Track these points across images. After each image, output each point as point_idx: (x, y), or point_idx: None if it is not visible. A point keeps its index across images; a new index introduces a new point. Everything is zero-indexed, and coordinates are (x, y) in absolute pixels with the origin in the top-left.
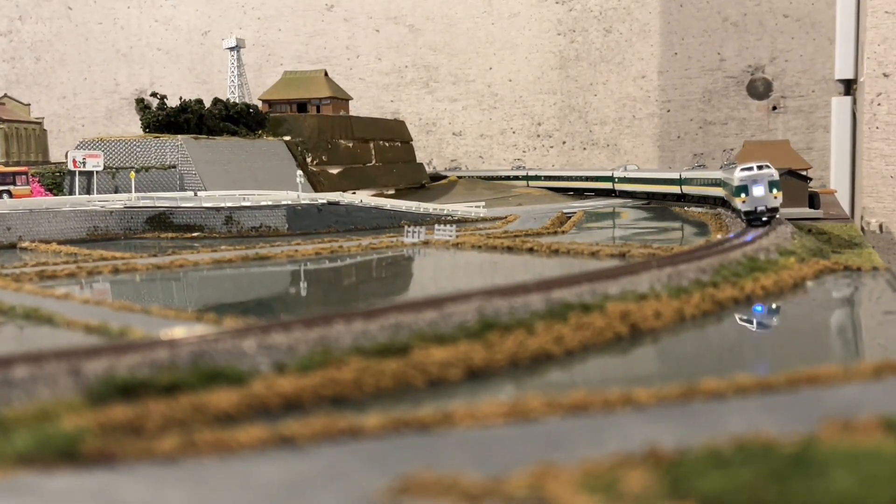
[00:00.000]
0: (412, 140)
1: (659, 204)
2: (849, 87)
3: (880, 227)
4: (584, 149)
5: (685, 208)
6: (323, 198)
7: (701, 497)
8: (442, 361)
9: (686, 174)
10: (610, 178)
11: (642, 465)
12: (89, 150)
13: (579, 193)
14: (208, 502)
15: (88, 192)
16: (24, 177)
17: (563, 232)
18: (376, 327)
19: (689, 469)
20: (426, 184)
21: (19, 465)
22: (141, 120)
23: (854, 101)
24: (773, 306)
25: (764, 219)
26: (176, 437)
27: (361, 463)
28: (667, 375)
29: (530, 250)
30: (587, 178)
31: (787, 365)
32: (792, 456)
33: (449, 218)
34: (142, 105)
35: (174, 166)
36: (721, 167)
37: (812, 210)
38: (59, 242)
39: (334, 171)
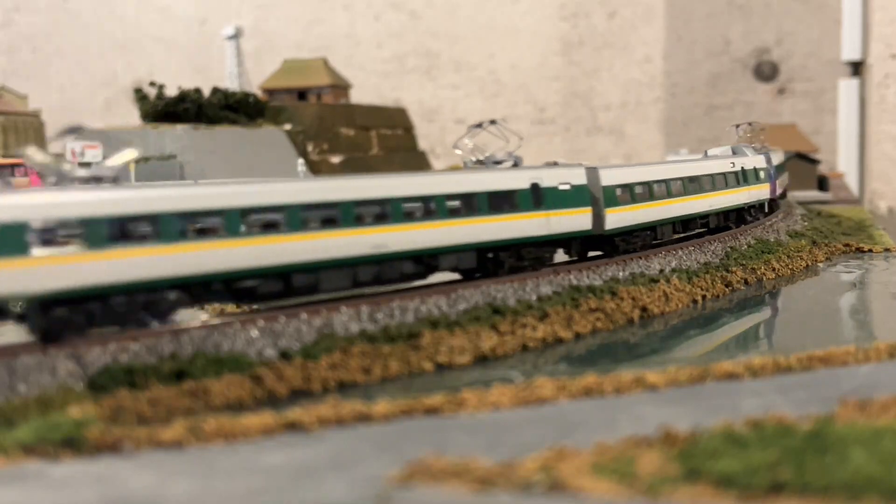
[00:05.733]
0: (414, 128)
1: None
2: (856, 69)
3: (889, 210)
4: (589, 135)
5: None
6: None
7: (717, 478)
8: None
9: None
10: None
11: (657, 447)
12: (88, 141)
13: None
14: (215, 489)
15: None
16: (22, 168)
17: None
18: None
19: (705, 450)
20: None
21: (24, 453)
22: (139, 110)
23: (862, 84)
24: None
25: None
26: (181, 424)
27: (371, 448)
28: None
29: None
30: None
31: (801, 346)
32: (809, 435)
33: None
34: (140, 95)
35: (174, 156)
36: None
37: (821, 193)
38: None
39: (335, 159)
